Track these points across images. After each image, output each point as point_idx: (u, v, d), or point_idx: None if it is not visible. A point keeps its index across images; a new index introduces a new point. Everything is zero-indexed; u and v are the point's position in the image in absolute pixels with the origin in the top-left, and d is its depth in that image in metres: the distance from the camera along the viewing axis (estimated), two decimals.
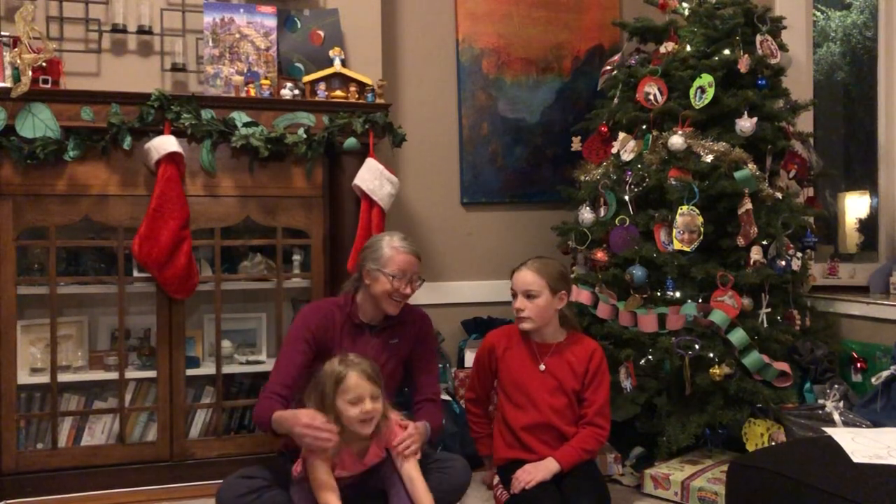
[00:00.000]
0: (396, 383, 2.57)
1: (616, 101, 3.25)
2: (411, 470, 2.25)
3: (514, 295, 2.53)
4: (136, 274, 2.81)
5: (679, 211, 2.82)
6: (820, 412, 2.74)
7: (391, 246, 2.43)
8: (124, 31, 2.98)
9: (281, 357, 2.45)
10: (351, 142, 2.91)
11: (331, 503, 2.12)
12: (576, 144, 3.44)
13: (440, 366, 3.29)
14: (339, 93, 2.99)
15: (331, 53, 3.04)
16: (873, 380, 2.76)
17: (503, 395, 2.58)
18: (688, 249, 2.81)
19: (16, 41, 2.64)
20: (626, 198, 3.00)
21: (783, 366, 2.75)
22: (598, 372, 2.54)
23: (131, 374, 2.84)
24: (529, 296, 2.49)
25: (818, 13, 4.17)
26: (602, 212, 3.12)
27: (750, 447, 2.67)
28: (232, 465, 2.41)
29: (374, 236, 2.59)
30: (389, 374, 2.49)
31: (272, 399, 2.33)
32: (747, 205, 2.80)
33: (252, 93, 2.90)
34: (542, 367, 2.53)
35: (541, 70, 3.79)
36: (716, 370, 2.69)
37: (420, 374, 2.57)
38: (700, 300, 2.80)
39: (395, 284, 2.40)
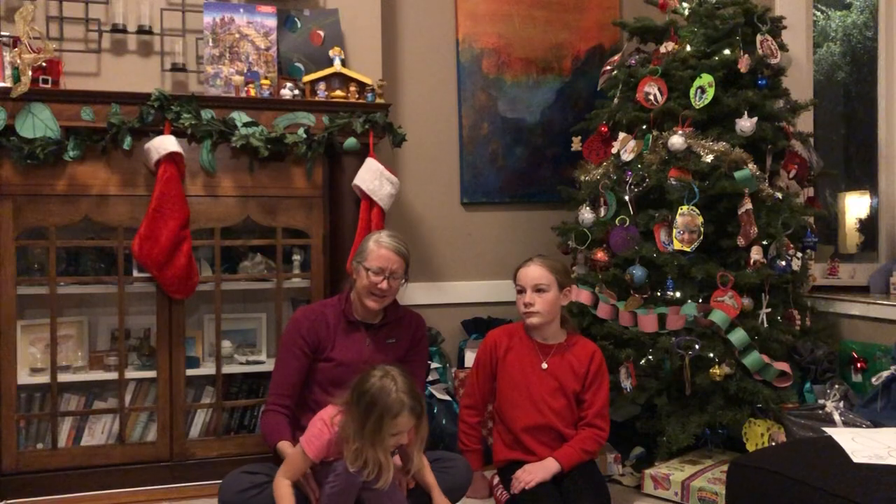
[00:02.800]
0: None
1: (616, 101, 3.25)
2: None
3: (522, 291, 2.52)
4: (136, 274, 2.80)
5: (679, 211, 2.82)
6: (820, 412, 2.74)
7: (375, 241, 2.44)
8: (124, 31, 2.98)
9: (277, 367, 2.46)
10: (351, 142, 2.91)
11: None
12: (576, 144, 3.44)
13: (440, 366, 3.29)
14: (339, 93, 2.99)
15: (331, 53, 3.04)
16: (873, 380, 2.76)
17: (502, 396, 2.57)
18: (688, 249, 2.81)
19: (16, 41, 2.64)
20: (626, 198, 3.00)
21: (783, 366, 2.75)
22: (599, 373, 2.55)
23: (131, 374, 2.84)
24: (539, 290, 2.49)
25: (818, 13, 4.17)
26: (602, 212, 3.12)
27: (750, 447, 2.67)
28: (232, 465, 2.41)
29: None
30: None
31: (277, 413, 2.38)
32: (747, 205, 2.80)
33: (252, 93, 2.90)
34: (545, 365, 2.53)
35: (541, 70, 3.79)
36: (716, 370, 2.69)
37: None
38: (700, 300, 2.80)
39: (371, 279, 2.39)
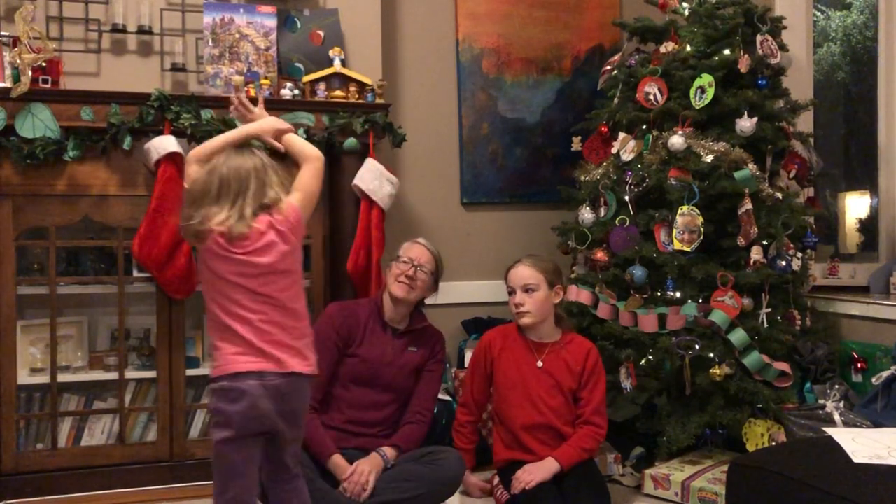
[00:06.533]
0: (409, 391, 2.60)
1: (616, 101, 3.25)
2: None
3: (512, 292, 2.56)
4: (136, 274, 2.80)
5: (679, 211, 2.82)
6: (820, 412, 2.74)
7: (410, 241, 2.61)
8: (124, 31, 2.98)
9: None
10: (351, 142, 2.90)
11: None
12: (576, 144, 3.44)
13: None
14: (338, 93, 2.99)
15: (331, 53, 3.04)
16: (873, 380, 2.76)
17: (499, 396, 2.58)
18: (688, 249, 2.81)
19: (16, 41, 2.64)
20: (626, 198, 3.00)
21: (783, 366, 2.75)
22: (595, 371, 2.56)
23: (131, 374, 2.84)
24: (528, 290, 2.52)
25: (818, 13, 4.17)
26: (602, 212, 3.12)
27: (750, 447, 2.67)
28: None
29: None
30: (403, 378, 2.55)
31: (309, 413, 2.35)
32: (747, 205, 2.80)
33: (252, 93, 2.90)
34: (540, 363, 2.53)
35: (541, 70, 3.79)
36: (716, 370, 2.69)
37: (421, 387, 2.60)
38: (700, 300, 2.80)
39: (400, 267, 2.53)
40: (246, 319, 1.86)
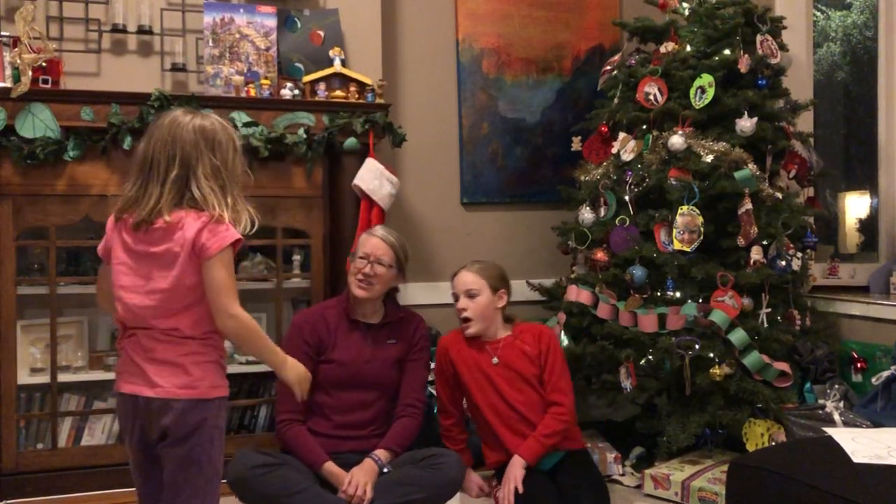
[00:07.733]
0: (395, 384, 2.58)
1: (616, 101, 3.25)
2: None
3: (456, 297, 2.59)
4: None
5: (679, 211, 2.82)
6: (820, 412, 2.74)
7: (367, 232, 2.55)
8: (124, 31, 2.97)
9: None
10: (351, 142, 2.91)
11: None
12: (576, 144, 3.44)
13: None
14: (339, 93, 2.99)
15: (331, 53, 3.04)
16: (873, 380, 2.76)
17: (469, 401, 2.59)
18: (688, 249, 2.81)
19: (16, 41, 2.64)
20: (626, 198, 3.00)
21: (783, 366, 2.75)
22: (550, 349, 2.57)
23: None
24: (471, 295, 2.55)
25: (818, 13, 4.17)
26: (602, 212, 3.12)
27: (750, 447, 2.67)
28: None
29: None
30: (386, 373, 2.52)
31: (296, 424, 2.43)
32: (747, 205, 2.80)
33: (252, 93, 2.90)
34: (495, 360, 2.55)
35: (541, 70, 3.79)
36: (716, 370, 2.69)
37: (407, 377, 2.58)
38: (700, 300, 2.80)
39: (357, 265, 2.49)
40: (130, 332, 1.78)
